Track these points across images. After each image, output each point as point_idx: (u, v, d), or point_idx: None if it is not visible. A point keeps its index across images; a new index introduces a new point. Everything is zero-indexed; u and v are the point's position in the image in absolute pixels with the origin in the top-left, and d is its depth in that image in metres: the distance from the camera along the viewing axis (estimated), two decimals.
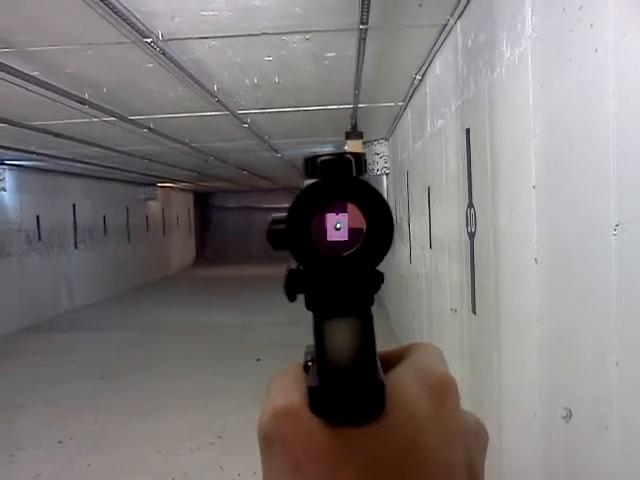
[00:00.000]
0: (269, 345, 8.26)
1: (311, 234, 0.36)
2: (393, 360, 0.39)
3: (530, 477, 2.55)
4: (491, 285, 3.13)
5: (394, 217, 0.36)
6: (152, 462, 4.76)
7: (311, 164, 0.36)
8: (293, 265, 0.37)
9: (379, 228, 0.36)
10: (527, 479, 2.58)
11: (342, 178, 0.35)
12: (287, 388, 0.37)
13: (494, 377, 3.12)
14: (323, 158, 0.36)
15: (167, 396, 6.37)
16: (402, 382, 0.36)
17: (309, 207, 0.36)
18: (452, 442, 0.36)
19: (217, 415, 5.69)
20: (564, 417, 2.13)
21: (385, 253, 0.36)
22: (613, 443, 1.81)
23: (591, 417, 1.96)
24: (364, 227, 0.36)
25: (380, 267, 0.37)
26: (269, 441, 0.36)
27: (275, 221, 0.37)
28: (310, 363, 0.38)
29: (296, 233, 0.36)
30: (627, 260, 1.71)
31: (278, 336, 8.87)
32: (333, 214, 0.36)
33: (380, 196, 0.36)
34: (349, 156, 0.36)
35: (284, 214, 0.36)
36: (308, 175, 0.36)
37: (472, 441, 0.38)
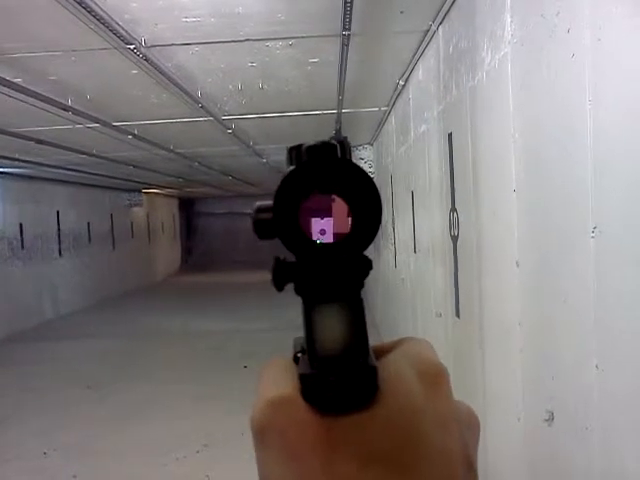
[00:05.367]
0: (256, 352, 8.23)
1: (299, 220, 0.35)
2: (385, 352, 0.38)
3: (515, 478, 2.57)
4: (474, 289, 3.15)
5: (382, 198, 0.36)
6: (138, 472, 4.73)
7: (296, 152, 0.36)
8: (280, 255, 0.36)
9: (367, 210, 0.35)
10: None
11: (328, 160, 0.35)
12: (278, 378, 0.36)
13: (478, 381, 3.14)
14: (308, 144, 0.35)
15: (153, 405, 6.33)
16: (395, 368, 0.36)
17: (296, 192, 0.35)
18: (448, 427, 0.35)
19: (203, 423, 5.65)
20: (547, 420, 2.14)
21: (374, 236, 0.36)
22: (594, 444, 1.82)
23: (573, 419, 1.98)
24: (349, 230, 0.36)
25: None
26: (264, 432, 0.35)
27: (260, 209, 0.36)
28: (299, 354, 0.37)
29: (284, 220, 0.35)
30: (605, 261, 1.73)
31: (265, 343, 8.84)
32: (318, 219, 0.36)
33: (367, 176, 0.35)
34: (334, 141, 0.35)
35: (269, 202, 0.35)
36: (292, 164, 0.36)
37: (465, 428, 0.38)
